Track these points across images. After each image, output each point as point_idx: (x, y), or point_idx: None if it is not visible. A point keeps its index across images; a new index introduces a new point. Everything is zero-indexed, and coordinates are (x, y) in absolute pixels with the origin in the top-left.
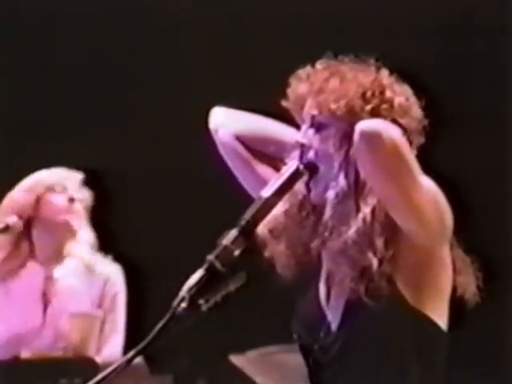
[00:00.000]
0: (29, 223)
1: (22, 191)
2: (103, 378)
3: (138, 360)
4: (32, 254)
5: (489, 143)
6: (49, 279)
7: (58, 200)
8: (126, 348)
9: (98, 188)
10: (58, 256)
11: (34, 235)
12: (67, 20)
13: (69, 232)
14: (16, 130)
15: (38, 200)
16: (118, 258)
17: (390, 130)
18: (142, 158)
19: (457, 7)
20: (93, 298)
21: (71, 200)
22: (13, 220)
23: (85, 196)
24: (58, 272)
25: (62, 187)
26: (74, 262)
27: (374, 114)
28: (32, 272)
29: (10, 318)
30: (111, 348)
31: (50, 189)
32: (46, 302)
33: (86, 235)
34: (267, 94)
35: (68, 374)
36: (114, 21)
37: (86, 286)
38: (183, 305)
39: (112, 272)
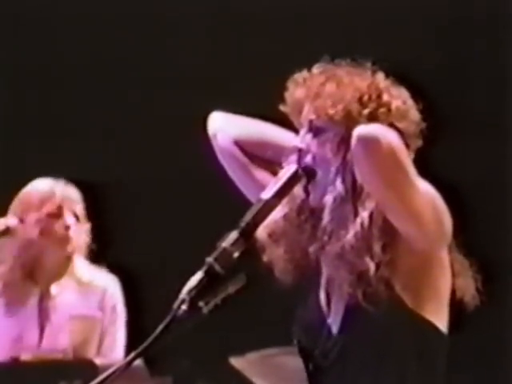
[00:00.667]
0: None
1: (25, 210)
2: (103, 380)
3: (138, 362)
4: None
5: (488, 146)
6: (46, 296)
7: (58, 222)
8: (127, 350)
9: (92, 197)
10: (54, 273)
11: (33, 253)
12: (65, 20)
13: (66, 251)
14: (14, 137)
15: (39, 220)
16: (117, 262)
17: (387, 135)
18: (138, 165)
19: (457, 7)
20: (92, 311)
21: (70, 219)
22: (13, 222)
23: (82, 211)
24: (55, 289)
25: (61, 205)
26: (71, 277)
27: (372, 118)
28: (28, 290)
29: (7, 336)
30: (112, 358)
31: (51, 212)
32: (43, 320)
33: (82, 250)
34: (266, 99)
35: (68, 376)
36: (114, 22)
37: (84, 300)
38: (183, 307)
39: (109, 284)
